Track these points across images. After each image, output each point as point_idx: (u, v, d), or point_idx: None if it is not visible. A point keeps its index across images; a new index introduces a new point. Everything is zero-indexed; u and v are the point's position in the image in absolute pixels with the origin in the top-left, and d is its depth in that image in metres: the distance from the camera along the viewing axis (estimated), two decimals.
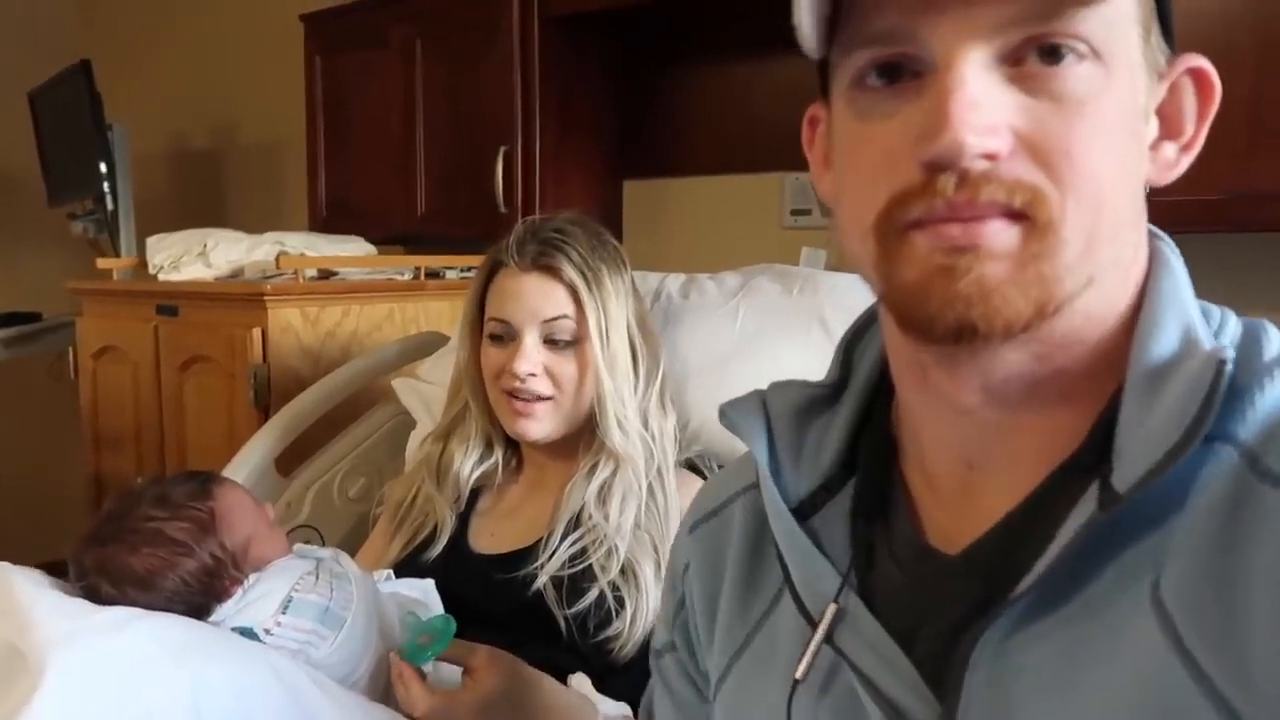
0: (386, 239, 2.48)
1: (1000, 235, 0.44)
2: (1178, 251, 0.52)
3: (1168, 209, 0.53)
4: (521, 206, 2.27)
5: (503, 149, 2.28)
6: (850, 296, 1.30)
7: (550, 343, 1.13)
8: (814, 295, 1.34)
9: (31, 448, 3.50)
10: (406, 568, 1.15)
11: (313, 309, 1.96)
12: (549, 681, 0.96)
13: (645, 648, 0.94)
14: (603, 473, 1.12)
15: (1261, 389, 0.44)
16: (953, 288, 0.45)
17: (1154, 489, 0.43)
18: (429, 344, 1.71)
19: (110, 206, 2.78)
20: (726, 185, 2.36)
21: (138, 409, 2.21)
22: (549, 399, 1.13)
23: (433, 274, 2.20)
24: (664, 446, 1.16)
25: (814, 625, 0.53)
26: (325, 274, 2.09)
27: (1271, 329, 0.49)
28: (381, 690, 0.95)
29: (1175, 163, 0.51)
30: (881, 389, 0.58)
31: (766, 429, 0.58)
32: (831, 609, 0.52)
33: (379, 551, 1.23)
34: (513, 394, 1.13)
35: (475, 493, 1.23)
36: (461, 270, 2.24)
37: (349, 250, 2.23)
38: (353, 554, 1.17)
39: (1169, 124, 0.50)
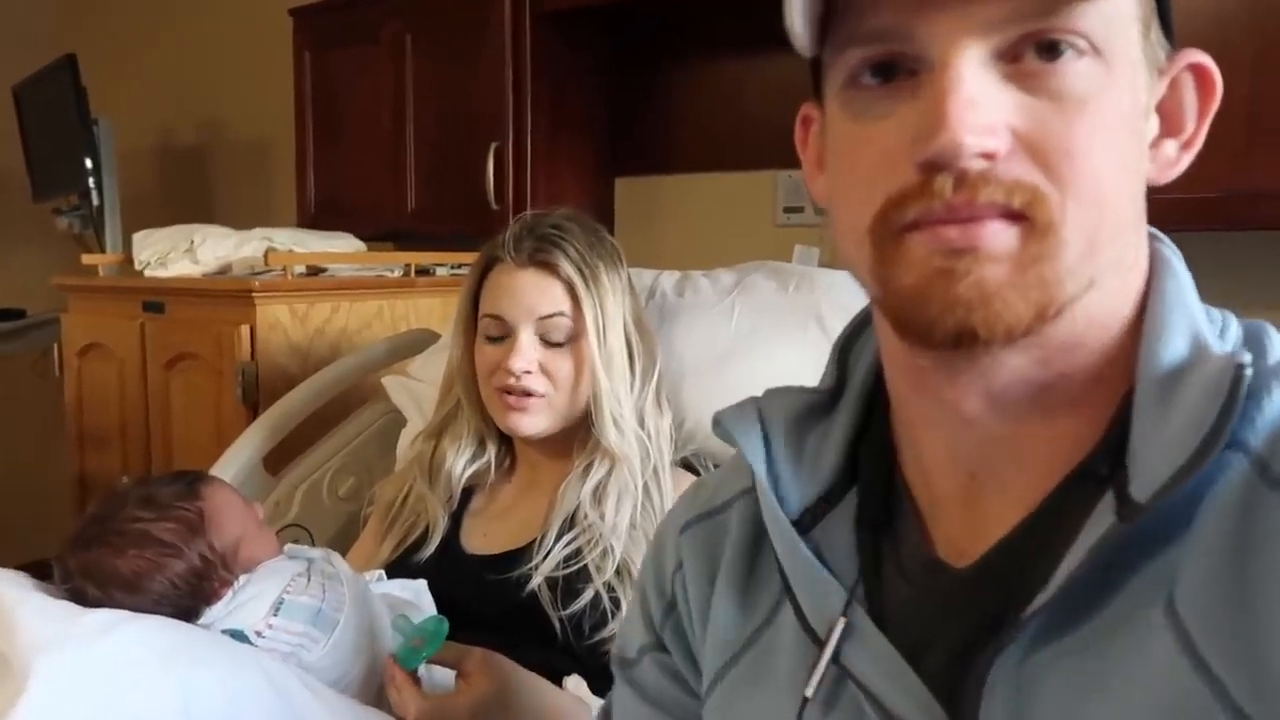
0: (376, 236, 2.46)
1: (999, 237, 0.43)
2: (1179, 253, 0.51)
3: (1164, 207, 0.52)
4: (513, 203, 2.26)
5: (494, 145, 2.27)
6: (847, 294, 1.29)
7: (546, 340, 1.12)
8: (810, 293, 1.33)
9: (15, 446, 3.46)
10: (398, 568, 1.14)
11: (301, 306, 1.94)
12: (543, 684, 0.95)
13: None
14: (598, 472, 1.11)
15: (1269, 394, 0.43)
16: (952, 291, 0.43)
17: (1171, 498, 0.42)
18: (420, 341, 1.69)
19: (96, 202, 2.75)
20: (719, 183, 2.36)
21: (123, 407, 2.19)
22: (543, 396, 1.12)
23: (423, 271, 2.18)
24: (660, 445, 1.15)
25: (819, 641, 0.51)
26: (314, 270, 2.06)
27: (1273, 331, 0.48)
28: (374, 694, 0.94)
29: (1176, 160, 0.50)
30: (878, 394, 0.57)
31: (763, 439, 0.57)
32: (840, 624, 0.50)
33: (369, 552, 1.21)
34: (506, 390, 1.12)
35: (468, 492, 1.21)
36: (452, 267, 2.23)
37: (338, 247, 2.21)
38: (342, 554, 1.15)
39: (1169, 121, 0.49)
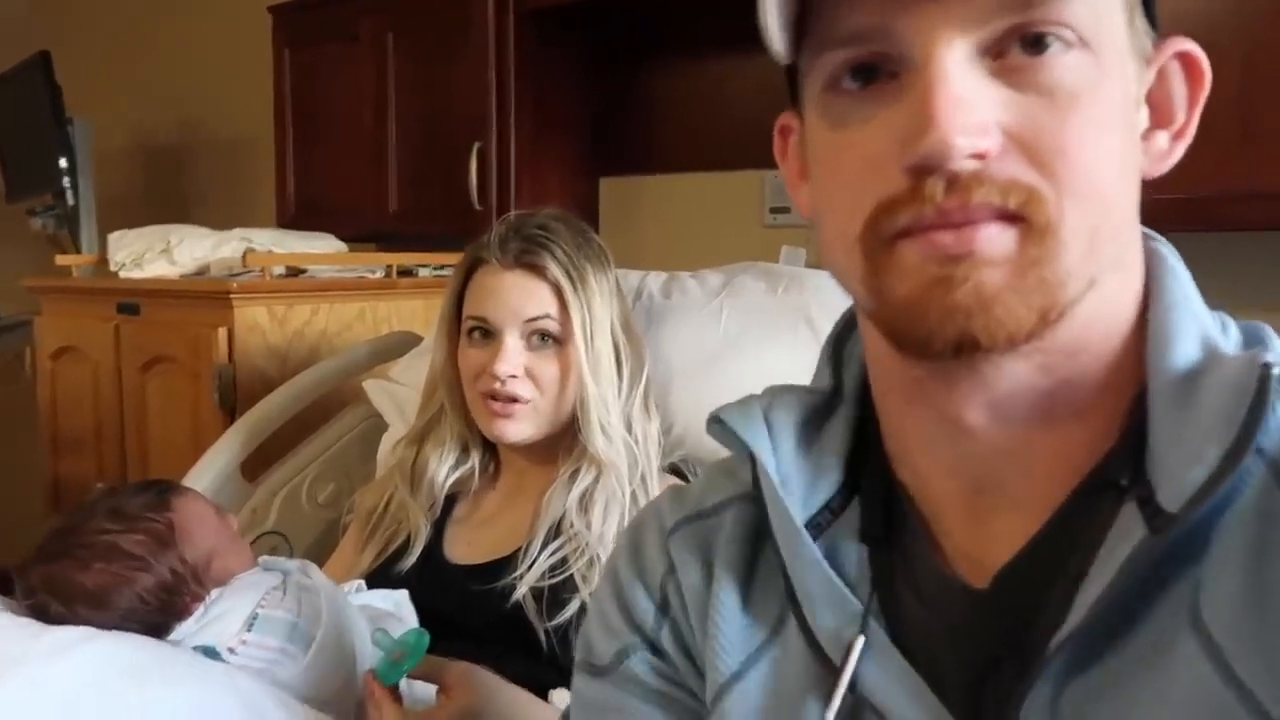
0: (357, 237, 2.43)
1: (996, 240, 0.41)
2: (1175, 251, 0.49)
3: (1154, 207, 0.51)
4: (496, 203, 2.24)
5: (477, 145, 2.25)
6: (837, 295, 1.26)
7: (532, 343, 1.09)
8: (800, 294, 1.31)
9: None
10: (379, 579, 1.11)
11: (280, 307, 1.91)
12: (528, 698, 0.93)
13: None
14: (584, 479, 1.09)
15: None
16: (950, 298, 0.42)
17: (1203, 507, 0.40)
18: (402, 344, 1.67)
19: (71, 203, 2.72)
20: (705, 183, 2.34)
21: (98, 411, 2.15)
22: (529, 401, 1.09)
23: (405, 272, 2.16)
24: (648, 451, 1.12)
25: (825, 659, 0.48)
26: (294, 271, 2.03)
27: (1272, 332, 0.47)
28: (352, 711, 0.91)
29: (1169, 152, 0.48)
30: (869, 400, 0.54)
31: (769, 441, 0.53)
32: (859, 643, 0.47)
33: (349, 562, 1.18)
34: (491, 395, 1.09)
35: (450, 500, 1.18)
36: (435, 269, 2.20)
37: (318, 247, 2.18)
38: (321, 562, 1.12)
39: (1159, 112, 0.48)
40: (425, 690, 0.90)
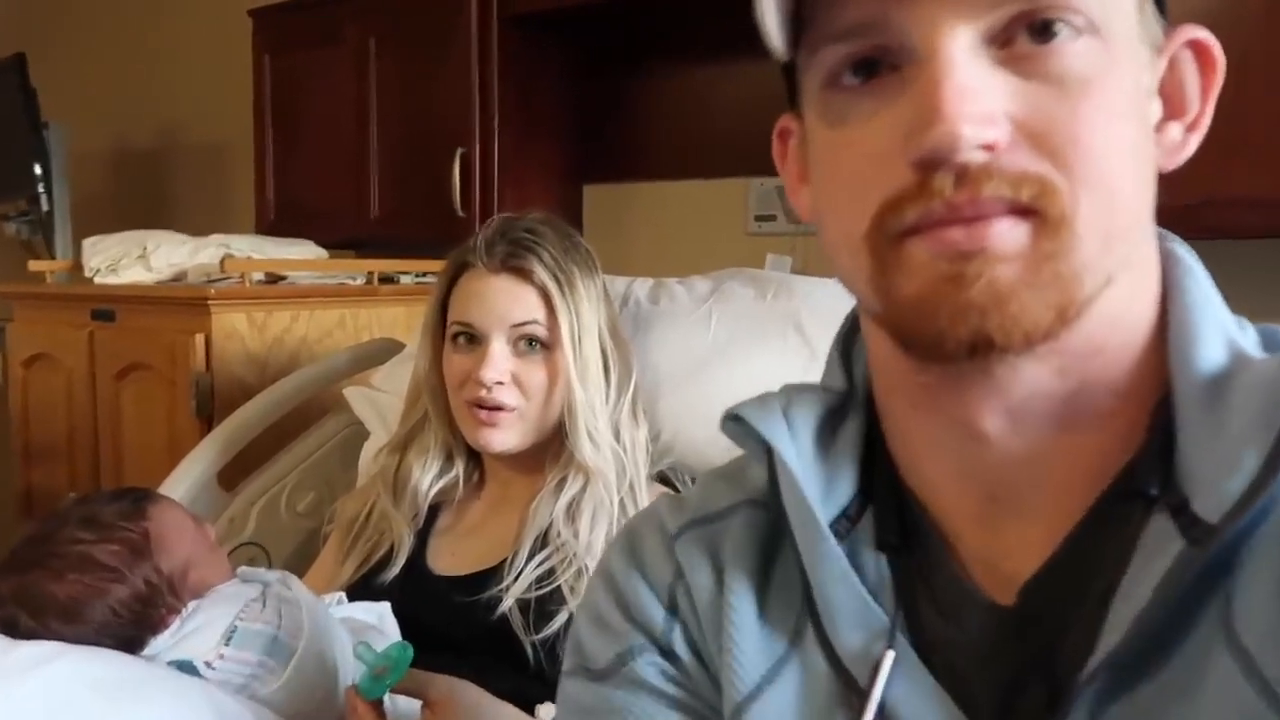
0: (338, 243, 2.41)
1: (1008, 234, 0.40)
2: (1193, 252, 0.47)
3: None
4: (480, 210, 2.22)
5: (460, 151, 2.23)
6: (827, 301, 1.27)
7: (519, 349, 1.07)
8: (789, 300, 1.29)
9: None
10: (361, 590, 1.08)
11: (260, 314, 1.88)
12: (514, 713, 0.90)
13: None
14: (572, 488, 1.07)
15: None
16: (963, 297, 0.40)
17: (1244, 517, 0.39)
18: (383, 351, 1.64)
19: (45, 208, 2.68)
20: (690, 190, 2.33)
21: (71, 419, 2.12)
22: (515, 409, 1.07)
23: (387, 279, 2.13)
24: (636, 459, 1.10)
25: (845, 673, 0.46)
26: (273, 278, 2.01)
27: None
28: None
29: (1182, 144, 0.46)
30: (873, 405, 0.52)
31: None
32: (889, 658, 0.45)
33: (330, 573, 1.16)
34: (477, 403, 1.07)
35: (434, 509, 1.16)
36: (417, 276, 2.18)
37: (298, 254, 2.15)
38: (301, 573, 1.10)
39: (1172, 102, 0.46)
40: (409, 705, 0.88)
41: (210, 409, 1.79)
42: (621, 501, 1.07)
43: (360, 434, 1.47)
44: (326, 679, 0.88)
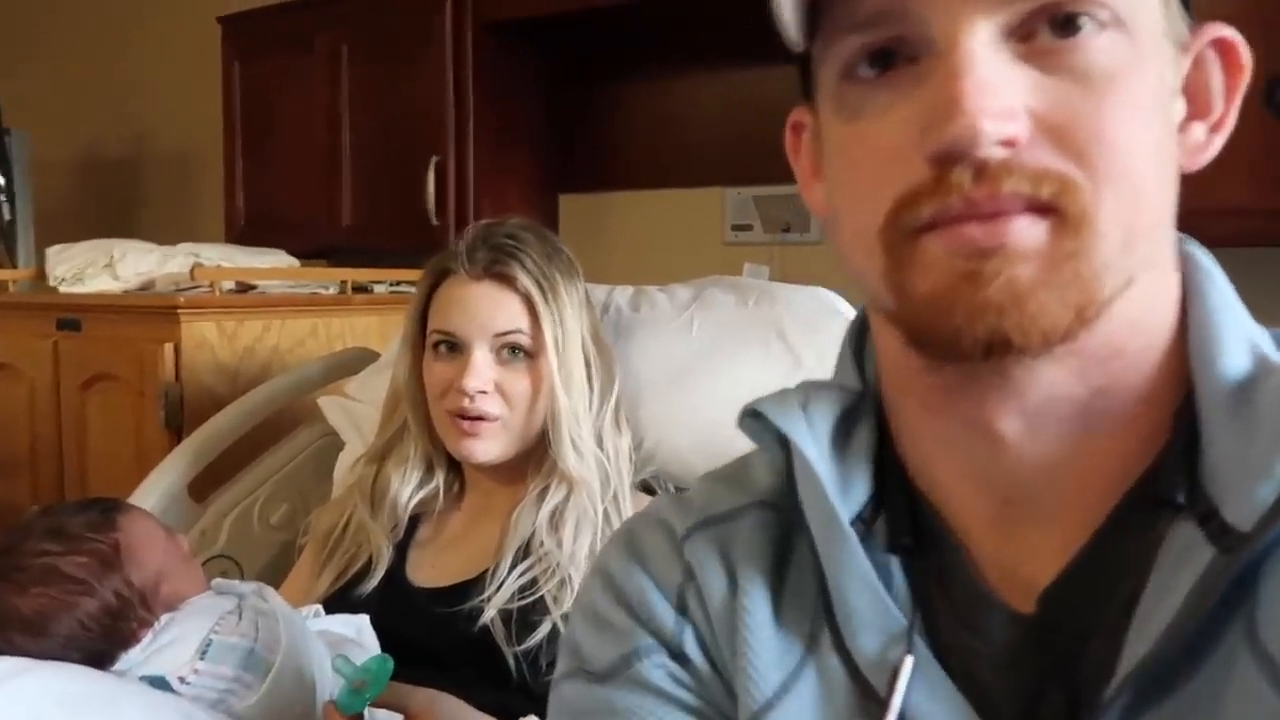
0: (310, 252, 2.38)
1: (1027, 232, 0.39)
2: (1209, 254, 0.46)
3: None
4: (454, 219, 2.21)
5: (434, 159, 2.21)
6: (809, 307, 1.26)
7: (502, 357, 1.05)
8: (771, 307, 1.28)
9: None
10: (338, 603, 1.06)
11: (230, 323, 1.84)
12: None
13: None
14: (554, 497, 1.05)
15: None
16: (980, 295, 0.39)
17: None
18: (357, 360, 1.61)
19: (8, 216, 2.63)
20: (666, 200, 2.33)
21: (34, 431, 2.06)
22: (498, 418, 1.05)
23: (360, 288, 2.11)
24: (619, 467, 1.09)
25: (862, 680, 0.44)
26: (244, 287, 1.98)
27: None
28: None
29: (1206, 144, 0.45)
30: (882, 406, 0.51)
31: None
32: (908, 663, 0.43)
33: (305, 586, 1.13)
34: (459, 413, 1.04)
35: (413, 521, 1.13)
36: (391, 285, 2.15)
37: (269, 263, 2.12)
38: (274, 586, 1.07)
39: (1196, 102, 0.45)
40: (389, 719, 0.86)
41: (179, 420, 1.75)
42: (606, 511, 1.06)
43: (334, 445, 1.44)
44: (304, 693, 0.85)
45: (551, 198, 2.46)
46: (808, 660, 0.47)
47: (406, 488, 1.12)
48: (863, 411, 0.50)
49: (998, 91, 0.38)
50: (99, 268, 2.02)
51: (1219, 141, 0.46)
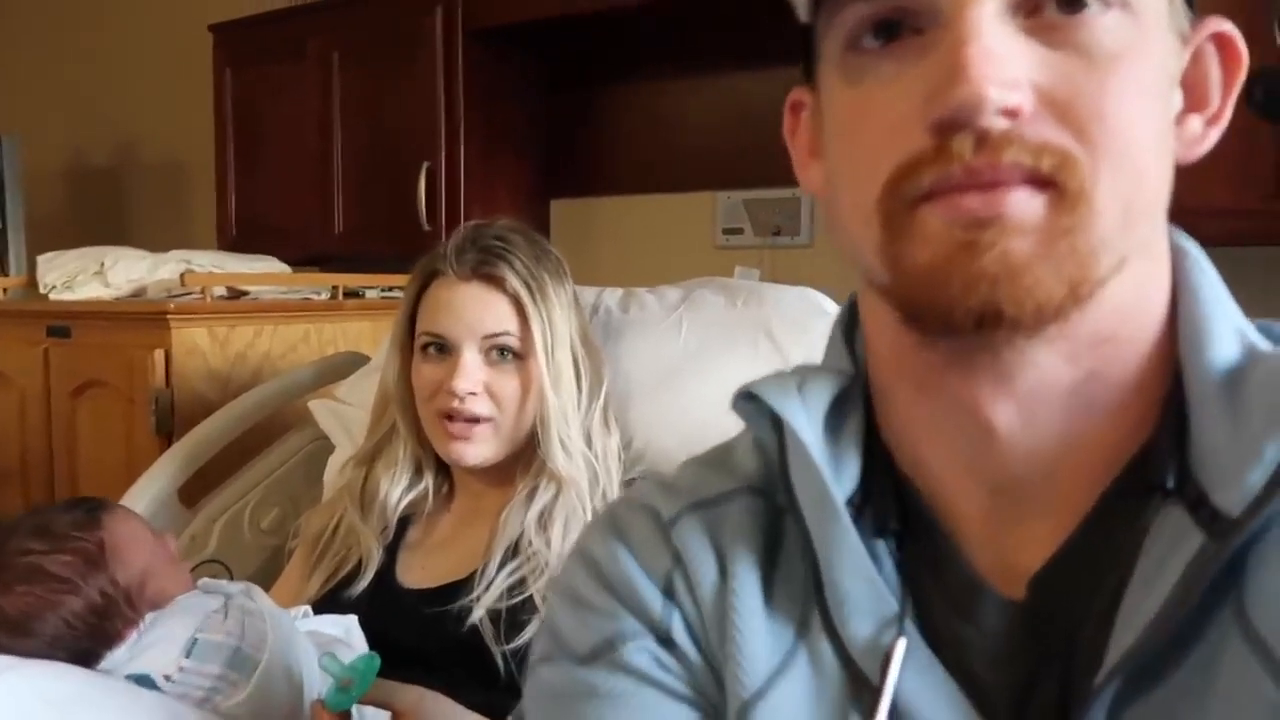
0: (302, 259, 2.38)
1: (1025, 205, 0.39)
2: (1197, 245, 0.47)
3: None
4: (446, 224, 2.21)
5: (425, 165, 2.21)
6: (797, 308, 1.26)
7: (491, 359, 1.05)
8: (759, 308, 1.28)
9: None
10: (328, 605, 1.05)
11: (222, 329, 1.84)
12: None
13: None
14: (543, 497, 1.05)
15: None
16: (975, 265, 0.39)
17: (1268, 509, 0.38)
18: (348, 364, 1.61)
19: None
20: (657, 204, 2.33)
21: (25, 439, 2.06)
22: (488, 420, 1.05)
23: (351, 294, 2.11)
24: (608, 467, 1.09)
25: (853, 666, 0.44)
26: (235, 293, 1.97)
27: None
28: None
29: (1201, 137, 0.45)
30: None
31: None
32: (901, 646, 0.43)
33: (295, 588, 1.13)
34: (449, 415, 1.04)
35: (403, 523, 1.13)
36: (382, 290, 2.15)
37: (261, 269, 2.12)
38: (265, 591, 1.06)
39: (1193, 95, 0.45)
40: (377, 717, 0.86)
41: (170, 426, 1.75)
42: (595, 510, 1.06)
43: (325, 449, 1.44)
44: (291, 692, 0.85)
45: (543, 203, 2.46)
46: (798, 648, 0.47)
47: (396, 490, 1.11)
48: (854, 396, 0.50)
49: (1003, 61, 0.39)
50: (90, 275, 2.03)
51: (1214, 135, 0.46)
